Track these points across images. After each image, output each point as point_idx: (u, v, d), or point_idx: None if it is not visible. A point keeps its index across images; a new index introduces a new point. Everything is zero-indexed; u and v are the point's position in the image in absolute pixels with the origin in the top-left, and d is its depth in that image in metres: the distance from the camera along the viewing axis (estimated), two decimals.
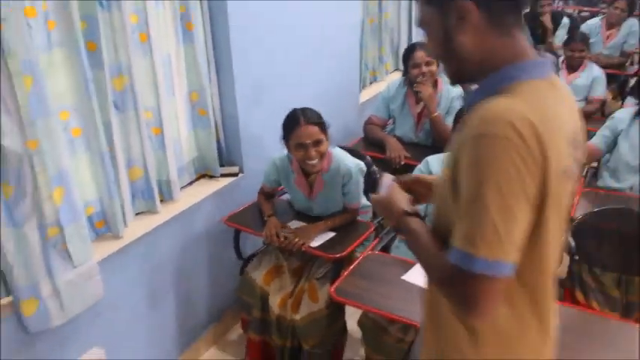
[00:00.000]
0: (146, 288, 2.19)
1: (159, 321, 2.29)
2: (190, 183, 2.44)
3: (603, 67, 3.93)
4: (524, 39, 1.02)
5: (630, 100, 3.61)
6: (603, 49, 4.69)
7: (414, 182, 1.34)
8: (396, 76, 3.95)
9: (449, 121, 2.88)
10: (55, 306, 1.71)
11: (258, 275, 2.28)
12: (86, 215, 1.90)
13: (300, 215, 2.38)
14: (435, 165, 2.25)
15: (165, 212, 2.19)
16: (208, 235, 2.46)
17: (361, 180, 2.35)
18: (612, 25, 4.68)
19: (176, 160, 2.25)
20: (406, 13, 4.06)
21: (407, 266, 2.05)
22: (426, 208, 2.09)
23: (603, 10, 6.90)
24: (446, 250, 0.98)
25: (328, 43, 3.06)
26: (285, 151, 2.27)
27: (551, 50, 4.50)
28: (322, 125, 2.18)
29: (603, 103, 3.92)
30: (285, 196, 2.52)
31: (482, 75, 1.02)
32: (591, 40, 4.06)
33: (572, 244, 2.28)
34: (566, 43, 3.85)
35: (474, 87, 1.06)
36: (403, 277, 1.98)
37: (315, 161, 2.16)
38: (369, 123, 3.14)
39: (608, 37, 4.71)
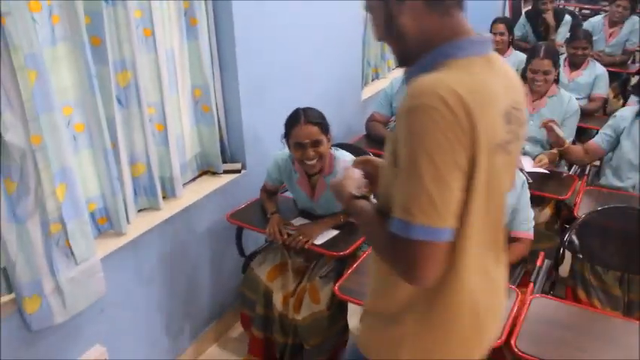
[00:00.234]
0: (148, 285, 2.18)
1: (161, 318, 2.28)
2: (193, 179, 2.42)
3: (605, 65, 3.92)
4: (463, 18, 1.06)
5: (633, 99, 3.61)
6: (605, 47, 4.68)
7: (364, 162, 1.36)
8: (399, 74, 3.94)
9: None
10: (57, 303, 1.70)
11: (263, 272, 2.27)
12: (88, 212, 1.88)
13: (304, 213, 2.37)
14: None
15: (168, 209, 2.18)
16: (210, 232, 2.45)
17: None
18: (615, 23, 4.66)
19: (179, 157, 2.24)
20: None
21: None
22: None
23: (605, 8, 6.90)
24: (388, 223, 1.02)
25: (331, 40, 3.04)
26: (288, 151, 2.25)
27: (554, 47, 4.49)
28: (323, 126, 2.14)
29: (605, 101, 3.91)
30: (289, 193, 2.51)
31: (425, 54, 1.05)
32: (594, 38, 4.05)
33: (577, 242, 2.27)
34: (570, 41, 3.84)
35: None
36: None
37: (312, 161, 2.13)
38: (371, 120, 3.13)
39: (610, 35, 4.70)
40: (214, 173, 2.47)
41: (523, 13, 5.09)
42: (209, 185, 2.40)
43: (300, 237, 2.13)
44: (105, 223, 1.97)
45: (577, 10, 7.07)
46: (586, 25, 4.80)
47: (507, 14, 5.59)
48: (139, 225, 2.04)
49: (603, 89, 3.77)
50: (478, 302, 1.14)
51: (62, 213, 1.68)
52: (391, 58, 3.98)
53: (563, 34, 4.72)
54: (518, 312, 1.80)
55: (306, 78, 2.84)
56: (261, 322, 2.30)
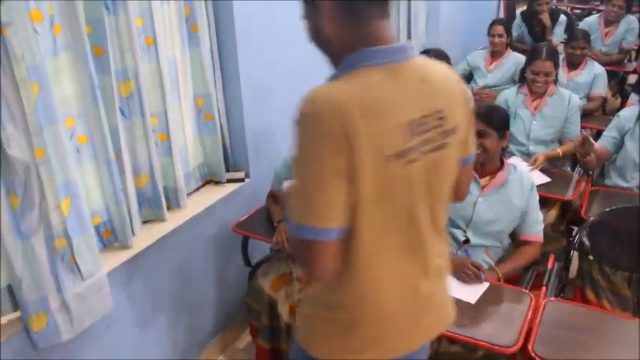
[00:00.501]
0: (154, 298, 2.14)
1: (168, 331, 2.24)
2: (197, 189, 2.39)
3: (602, 64, 3.93)
4: (384, 27, 1.09)
5: (634, 97, 3.61)
6: (602, 47, 4.70)
7: None
8: None
9: None
10: (64, 320, 1.66)
11: (266, 282, 2.24)
12: (93, 225, 1.85)
13: None
14: None
15: (173, 220, 2.14)
16: (216, 242, 2.42)
17: None
18: (610, 22, 4.68)
19: (182, 167, 2.20)
20: (405, 13, 4.03)
21: None
22: None
23: (597, 8, 6.93)
24: None
25: None
26: None
27: (555, 49, 4.49)
28: None
29: (604, 100, 3.92)
30: None
31: (342, 61, 1.10)
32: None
33: (587, 243, 2.26)
34: (568, 41, 3.84)
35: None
36: None
37: None
38: None
39: (606, 35, 4.71)
40: (218, 182, 2.44)
41: (518, 14, 5.09)
42: (213, 195, 2.37)
43: None
44: (110, 236, 1.93)
45: (569, 10, 7.10)
46: (582, 24, 4.81)
47: (502, 15, 5.59)
48: (144, 237, 2.01)
49: (602, 88, 3.78)
50: (382, 306, 1.19)
51: (67, 227, 1.65)
52: None
53: (559, 34, 4.73)
54: (533, 316, 1.79)
55: (310, 85, 2.79)
56: (267, 333, 2.26)
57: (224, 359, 2.57)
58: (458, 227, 2.15)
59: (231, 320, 2.62)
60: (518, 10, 5.46)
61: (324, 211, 1.04)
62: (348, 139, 1.00)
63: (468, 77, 4.15)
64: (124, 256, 1.91)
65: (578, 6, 7.73)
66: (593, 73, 3.76)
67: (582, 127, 3.09)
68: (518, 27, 4.86)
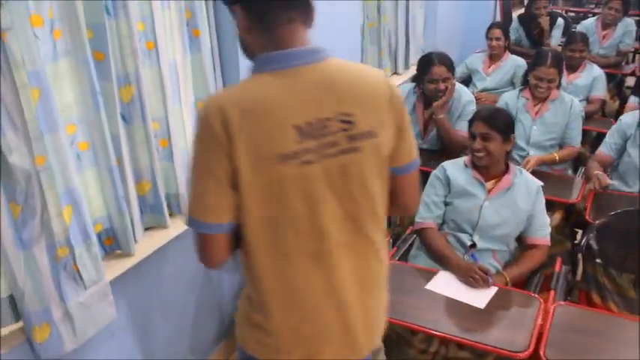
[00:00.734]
0: (158, 305, 2.10)
1: (171, 338, 2.21)
2: None
3: (600, 67, 3.94)
4: (289, 33, 1.13)
5: (633, 99, 3.61)
6: (599, 49, 4.71)
7: None
8: (398, 81, 3.92)
9: (461, 126, 2.83)
10: (67, 330, 1.62)
11: None
12: (95, 233, 1.81)
13: None
14: (451, 170, 2.20)
15: (175, 227, 2.10)
16: None
17: None
18: (608, 25, 4.69)
19: (184, 172, 2.17)
20: (403, 15, 4.03)
21: (429, 275, 1.99)
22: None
23: (593, 11, 6.96)
24: None
25: (331, 49, 3.00)
26: None
27: (560, 55, 4.50)
28: None
29: (603, 102, 3.92)
30: None
31: None
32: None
33: (595, 246, 2.24)
34: (567, 44, 3.84)
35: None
36: (427, 287, 1.92)
37: None
38: None
39: (604, 38, 4.72)
40: None
41: (515, 17, 5.10)
42: None
43: None
44: (112, 244, 1.90)
45: (564, 13, 7.13)
46: (579, 27, 4.83)
47: (498, 18, 5.60)
48: (147, 245, 1.97)
49: (601, 91, 3.78)
50: (272, 304, 1.22)
51: (69, 236, 1.61)
52: (388, 66, 3.95)
53: (556, 37, 4.75)
54: (543, 321, 1.77)
55: None
56: None
57: None
58: (464, 231, 2.13)
59: (234, 328, 2.58)
60: (515, 14, 5.47)
61: (210, 206, 1.12)
62: (229, 140, 1.07)
63: (467, 80, 4.15)
64: (127, 263, 1.87)
65: (573, 9, 7.78)
66: (592, 75, 3.76)
67: (583, 130, 3.07)
68: (515, 30, 4.87)
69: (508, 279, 2.00)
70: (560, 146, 3.00)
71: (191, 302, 2.29)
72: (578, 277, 2.40)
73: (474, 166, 2.16)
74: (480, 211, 2.10)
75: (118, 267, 1.85)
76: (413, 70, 4.07)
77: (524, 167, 2.74)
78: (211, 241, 1.17)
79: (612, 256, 2.26)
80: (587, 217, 2.46)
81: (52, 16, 1.56)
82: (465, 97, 2.93)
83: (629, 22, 4.68)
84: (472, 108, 2.88)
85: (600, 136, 3.16)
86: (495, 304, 1.85)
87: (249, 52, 1.18)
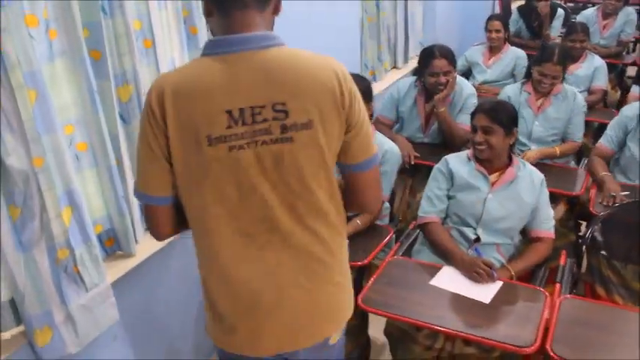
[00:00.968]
0: (160, 306, 2.09)
1: (174, 340, 2.20)
2: None
3: (601, 57, 3.90)
4: (241, 18, 1.14)
5: (635, 89, 3.59)
6: (600, 39, 4.67)
7: None
8: (397, 76, 3.89)
9: (462, 119, 2.81)
10: (69, 333, 1.61)
11: None
12: (95, 234, 1.79)
13: None
14: (454, 163, 2.18)
15: None
16: None
17: (397, 169, 2.27)
18: (608, 14, 4.66)
19: None
20: (402, 10, 4.00)
21: (433, 270, 1.98)
22: None
23: (592, 1, 6.92)
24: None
25: (329, 44, 2.97)
26: None
27: (548, 42, 4.47)
28: (361, 92, 2.15)
29: (605, 93, 3.89)
30: None
31: None
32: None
33: (599, 238, 2.22)
34: (567, 34, 3.81)
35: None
36: (431, 282, 1.90)
37: None
38: (377, 123, 3.07)
39: (604, 27, 4.69)
40: None
41: (515, 9, 5.07)
42: None
43: None
44: (112, 244, 1.88)
45: (564, 3, 7.09)
46: (579, 17, 4.79)
47: (497, 10, 5.57)
48: (148, 245, 1.95)
49: (603, 81, 3.75)
50: (208, 283, 1.31)
51: (69, 237, 1.59)
52: (387, 60, 3.92)
53: (557, 27, 4.71)
54: (550, 315, 1.75)
55: None
56: None
57: None
58: (468, 225, 2.11)
59: None
60: (514, 5, 5.44)
61: (150, 180, 1.21)
62: (163, 118, 1.14)
63: (467, 73, 4.12)
64: (128, 264, 1.86)
65: None
66: (594, 65, 3.73)
67: (585, 121, 3.04)
68: (515, 22, 4.83)
69: (513, 273, 1.98)
70: (563, 140, 2.96)
71: (194, 302, 2.27)
72: (583, 269, 2.38)
73: (477, 159, 2.14)
74: (484, 204, 2.08)
75: (120, 268, 1.84)
76: (412, 64, 4.06)
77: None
78: (154, 213, 1.25)
79: (617, 248, 2.24)
80: (591, 209, 2.43)
81: (47, 16, 1.54)
82: (466, 90, 2.90)
83: (630, 11, 4.65)
84: (474, 101, 2.85)
85: (602, 127, 3.13)
86: (500, 298, 1.83)
87: (213, 35, 1.21)
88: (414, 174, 2.85)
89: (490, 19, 4.05)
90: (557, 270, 2.07)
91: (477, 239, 2.09)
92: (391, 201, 2.54)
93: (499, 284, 1.89)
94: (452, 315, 1.78)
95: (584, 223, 2.85)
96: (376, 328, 2.17)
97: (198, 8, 2.06)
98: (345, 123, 1.21)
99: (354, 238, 2.14)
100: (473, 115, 2.17)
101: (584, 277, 2.36)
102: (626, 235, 2.24)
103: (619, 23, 4.63)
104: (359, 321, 2.08)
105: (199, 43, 2.08)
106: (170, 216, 1.26)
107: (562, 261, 2.11)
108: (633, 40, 4.95)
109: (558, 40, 4.31)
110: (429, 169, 2.28)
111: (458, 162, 2.18)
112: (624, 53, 4.83)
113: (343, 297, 1.37)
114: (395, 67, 4.09)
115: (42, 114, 1.49)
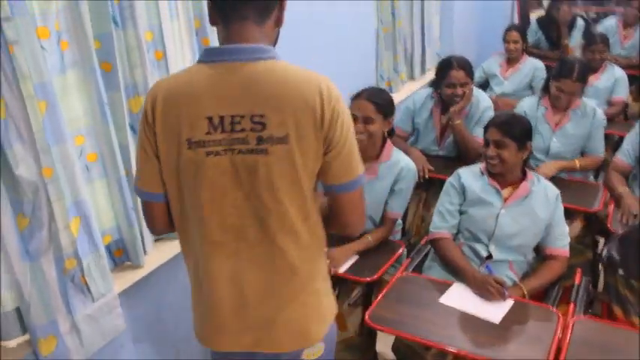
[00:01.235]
0: (168, 317, 2.09)
1: (181, 351, 2.19)
2: None
3: (623, 68, 3.82)
4: (240, 29, 1.17)
5: None
6: (621, 50, 4.58)
7: None
8: (414, 87, 3.86)
9: (478, 132, 2.76)
10: (74, 343, 1.61)
11: None
12: (104, 244, 1.80)
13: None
14: (466, 177, 2.15)
15: None
16: None
17: (412, 185, 2.26)
18: (629, 25, 4.57)
19: None
20: (419, 20, 3.98)
21: (443, 287, 1.94)
22: None
23: (613, 10, 6.80)
24: None
25: (345, 54, 2.97)
26: None
27: (567, 53, 4.40)
28: (379, 106, 2.16)
29: (626, 105, 3.81)
30: None
31: None
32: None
33: (616, 257, 2.16)
34: (587, 45, 3.74)
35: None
36: (441, 300, 1.87)
37: (359, 136, 2.04)
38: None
39: (625, 38, 4.60)
40: None
41: (534, 20, 5.00)
42: None
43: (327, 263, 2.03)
44: (121, 255, 1.88)
45: (584, 13, 6.98)
46: (599, 28, 4.71)
47: (516, 20, 5.51)
48: (156, 256, 1.95)
49: (623, 93, 3.67)
50: (191, 281, 1.38)
51: (77, 248, 1.60)
52: (404, 71, 3.90)
53: (576, 39, 4.64)
54: (562, 336, 1.70)
55: None
56: None
57: None
58: (480, 241, 2.07)
59: None
60: (533, 16, 5.37)
61: (144, 177, 1.27)
62: (153, 120, 1.19)
63: (484, 85, 4.07)
64: (136, 275, 1.86)
65: (594, 8, 7.60)
66: (614, 77, 3.66)
67: (605, 134, 2.97)
68: (534, 33, 4.77)
69: (525, 291, 1.93)
70: (582, 154, 2.89)
71: None
72: (600, 288, 2.32)
73: (490, 173, 2.10)
74: (496, 219, 2.04)
75: (128, 279, 1.84)
76: (429, 76, 4.02)
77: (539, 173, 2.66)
78: (149, 208, 1.31)
79: (634, 267, 2.18)
80: (608, 226, 2.37)
81: (58, 28, 1.56)
82: (483, 103, 2.86)
83: None
84: (490, 114, 2.80)
85: (622, 141, 3.05)
86: (511, 318, 1.78)
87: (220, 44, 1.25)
88: (428, 188, 2.81)
89: (508, 29, 4.00)
90: (572, 289, 2.02)
91: (489, 257, 2.05)
92: (404, 215, 2.51)
93: (510, 303, 1.85)
94: (461, 334, 1.74)
95: (602, 240, 2.78)
96: (384, 344, 2.14)
97: None
98: (325, 142, 1.19)
99: (364, 252, 2.13)
100: (486, 128, 2.14)
101: (600, 297, 2.29)
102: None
103: None
104: (366, 336, 2.05)
105: None
106: (164, 212, 1.31)
107: (577, 280, 2.05)
108: None
109: (578, 52, 4.23)
110: (443, 182, 2.24)
111: (470, 176, 2.14)
112: None
113: (307, 316, 1.33)
114: (412, 78, 4.06)
115: (52, 125, 1.50)
